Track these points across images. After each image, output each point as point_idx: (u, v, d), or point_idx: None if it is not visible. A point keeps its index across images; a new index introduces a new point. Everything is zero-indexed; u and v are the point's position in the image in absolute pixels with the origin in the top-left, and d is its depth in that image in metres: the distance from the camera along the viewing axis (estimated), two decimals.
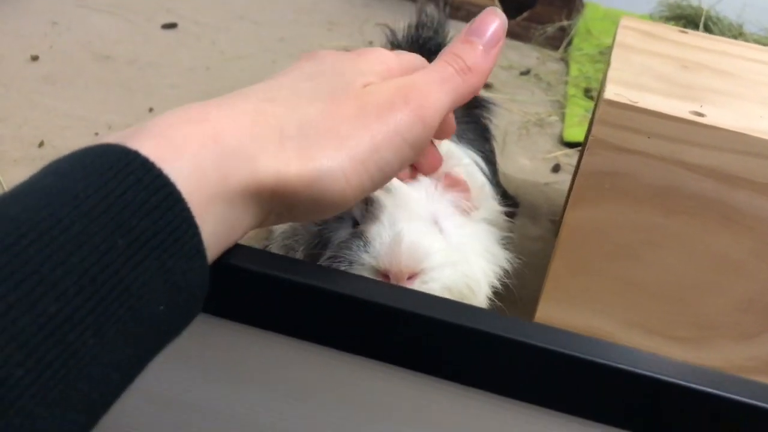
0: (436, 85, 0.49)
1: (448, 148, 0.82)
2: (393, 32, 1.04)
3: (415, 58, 0.56)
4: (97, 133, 1.24)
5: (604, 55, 1.88)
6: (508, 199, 1.00)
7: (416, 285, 0.66)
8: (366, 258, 0.66)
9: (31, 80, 1.39)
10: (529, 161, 1.39)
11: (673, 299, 0.79)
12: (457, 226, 0.74)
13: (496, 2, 2.01)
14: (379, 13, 2.03)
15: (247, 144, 0.41)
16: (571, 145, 1.45)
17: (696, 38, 0.96)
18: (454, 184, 0.74)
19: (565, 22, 1.94)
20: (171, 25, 1.75)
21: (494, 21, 0.53)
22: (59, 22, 1.66)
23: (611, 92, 0.73)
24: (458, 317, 0.44)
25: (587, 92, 1.67)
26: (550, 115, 1.58)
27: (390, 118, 0.46)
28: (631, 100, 0.72)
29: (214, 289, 0.40)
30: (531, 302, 0.89)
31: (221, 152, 0.39)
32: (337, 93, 0.46)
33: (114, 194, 0.34)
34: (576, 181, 0.77)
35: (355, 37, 1.86)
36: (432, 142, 0.63)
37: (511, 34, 2.01)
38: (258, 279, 0.45)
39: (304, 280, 0.45)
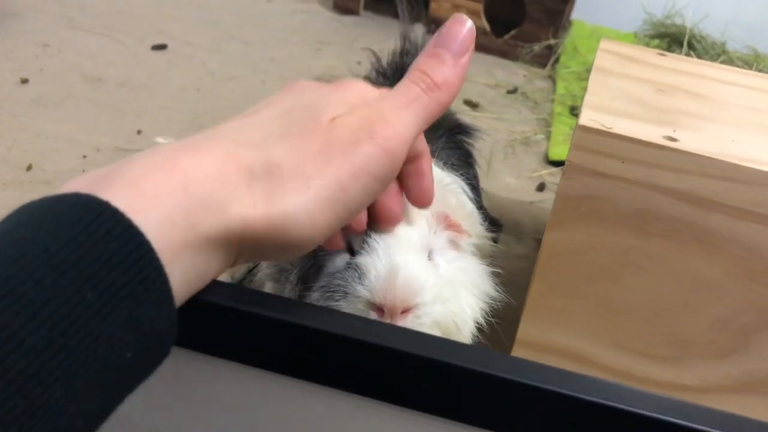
0: (402, 111, 0.48)
1: (441, 176, 0.83)
2: (378, 58, 1.06)
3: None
4: (85, 156, 1.25)
5: (590, 72, 1.90)
6: (492, 221, 1.01)
7: (408, 319, 0.66)
8: (360, 290, 0.66)
9: (20, 103, 1.40)
10: (515, 180, 1.41)
11: (650, 319, 0.80)
12: (448, 260, 0.74)
13: (483, 20, 2.04)
14: (368, 33, 2.05)
15: (216, 191, 0.41)
16: (556, 163, 1.47)
17: (674, 61, 0.97)
18: (451, 225, 0.75)
19: (552, 41, 1.96)
20: (161, 47, 1.76)
21: (461, 29, 0.50)
22: (50, 44, 1.67)
23: (586, 118, 0.74)
24: (437, 352, 0.45)
25: (573, 110, 1.69)
26: (536, 134, 1.59)
27: (355, 154, 0.45)
28: (605, 126, 0.73)
29: (187, 322, 0.41)
30: (515, 321, 0.90)
31: (190, 201, 0.40)
32: (304, 130, 0.46)
33: (84, 246, 0.35)
34: (554, 204, 0.79)
35: (344, 56, 1.88)
36: (428, 171, 0.58)
37: (499, 52, 2.04)
38: (228, 313, 0.46)
39: (276, 315, 0.46)
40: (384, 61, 1.06)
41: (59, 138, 1.30)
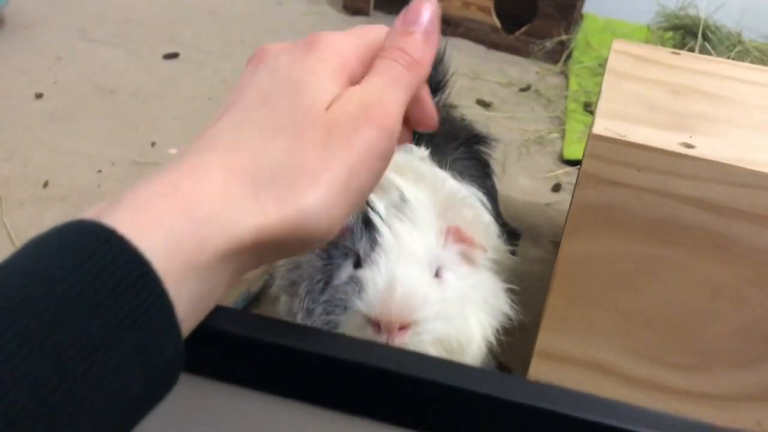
0: (391, 89, 0.49)
1: (456, 188, 0.81)
2: None
3: (372, 33, 0.53)
4: (100, 171, 1.26)
5: (604, 67, 1.88)
6: (510, 232, 1.00)
7: (407, 336, 0.65)
8: (359, 304, 0.66)
9: (35, 117, 1.41)
10: (530, 181, 1.40)
11: (671, 328, 0.79)
12: (459, 276, 0.73)
13: (494, 17, 2.02)
14: None
15: (221, 209, 0.41)
16: (571, 162, 1.46)
17: (689, 60, 0.96)
18: (462, 239, 0.74)
19: (564, 36, 1.94)
20: (173, 55, 1.77)
21: (428, 7, 0.52)
22: (63, 56, 1.68)
23: (600, 126, 0.74)
24: (441, 375, 0.45)
25: (587, 107, 1.68)
26: (550, 133, 1.58)
27: (357, 140, 0.45)
28: (619, 134, 0.72)
29: (195, 349, 0.41)
30: (534, 326, 0.89)
31: (195, 222, 0.39)
32: (300, 122, 0.45)
33: (89, 275, 0.34)
34: (570, 213, 0.78)
35: None
36: (427, 96, 0.58)
37: (510, 49, 2.02)
38: (235, 340, 0.46)
39: (282, 342, 0.46)
40: None
41: (74, 152, 1.30)
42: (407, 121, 0.58)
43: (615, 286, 0.79)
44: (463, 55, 1.92)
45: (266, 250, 0.44)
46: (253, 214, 0.42)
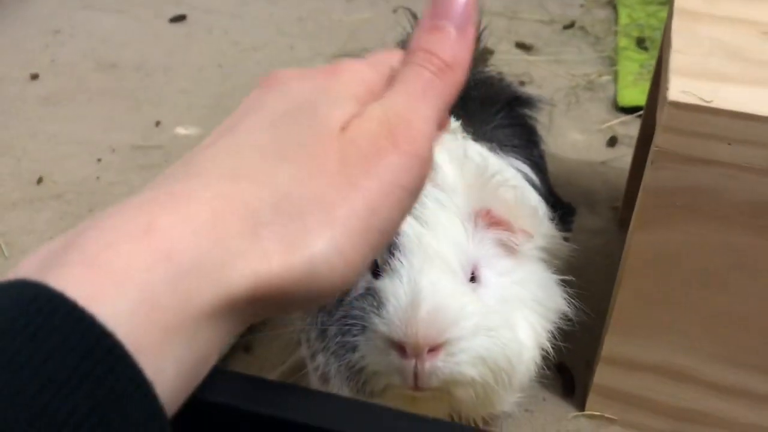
0: (420, 104, 0.40)
1: (494, 164, 0.69)
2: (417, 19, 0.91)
3: (389, 59, 0.45)
4: (99, 160, 1.15)
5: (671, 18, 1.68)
6: (563, 206, 0.85)
7: (439, 359, 0.53)
8: (378, 323, 0.54)
9: (30, 103, 1.30)
10: (581, 135, 1.23)
11: None
12: (500, 272, 0.61)
13: None
14: None
15: (210, 251, 0.32)
16: (626, 110, 1.29)
17: None
18: (496, 223, 0.61)
19: None
20: (180, 18, 1.63)
21: None
22: (62, 29, 1.56)
23: (676, 89, 0.58)
24: None
25: (640, 43, 1.49)
26: (600, 75, 1.40)
27: (381, 168, 0.37)
28: (703, 99, 0.57)
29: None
30: (597, 318, 0.74)
31: (177, 271, 0.31)
32: (311, 144, 0.37)
33: (32, 364, 0.26)
34: (640, 198, 0.63)
35: (378, 5, 1.71)
36: None
37: None
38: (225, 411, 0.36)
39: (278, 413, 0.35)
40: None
41: (71, 140, 1.19)
42: None
43: (699, 283, 0.64)
44: None
45: (265, 304, 0.35)
46: (251, 259, 0.34)
